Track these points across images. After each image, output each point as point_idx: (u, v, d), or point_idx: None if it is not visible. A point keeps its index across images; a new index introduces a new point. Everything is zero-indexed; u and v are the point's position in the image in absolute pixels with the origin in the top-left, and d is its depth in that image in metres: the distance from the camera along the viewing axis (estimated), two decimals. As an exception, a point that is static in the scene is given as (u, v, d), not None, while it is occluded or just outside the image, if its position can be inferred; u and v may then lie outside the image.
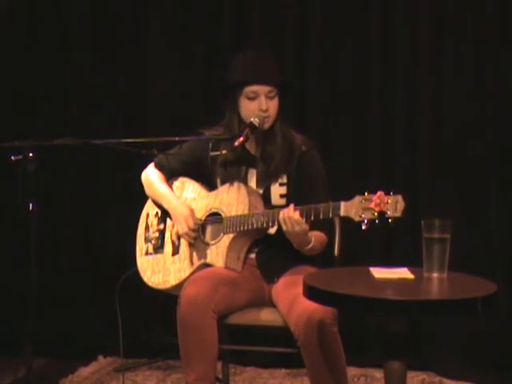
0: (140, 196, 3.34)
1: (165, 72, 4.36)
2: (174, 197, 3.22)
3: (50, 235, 4.28)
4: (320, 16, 4.20)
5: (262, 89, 3.05)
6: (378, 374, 3.87)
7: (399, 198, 2.62)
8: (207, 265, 3.09)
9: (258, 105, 3.05)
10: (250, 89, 3.05)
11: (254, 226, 2.98)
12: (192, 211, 3.14)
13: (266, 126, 3.09)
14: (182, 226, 3.11)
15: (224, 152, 3.13)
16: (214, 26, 4.33)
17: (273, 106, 3.08)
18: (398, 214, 2.61)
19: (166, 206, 3.22)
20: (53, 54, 4.45)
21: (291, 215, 2.85)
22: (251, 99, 3.06)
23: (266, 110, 3.05)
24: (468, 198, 4.07)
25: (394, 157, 4.16)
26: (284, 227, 2.88)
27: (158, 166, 3.29)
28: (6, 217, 4.30)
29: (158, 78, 4.37)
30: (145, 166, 3.34)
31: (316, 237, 3.01)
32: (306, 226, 2.87)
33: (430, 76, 4.10)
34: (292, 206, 2.88)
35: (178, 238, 3.17)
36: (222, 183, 3.16)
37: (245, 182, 3.13)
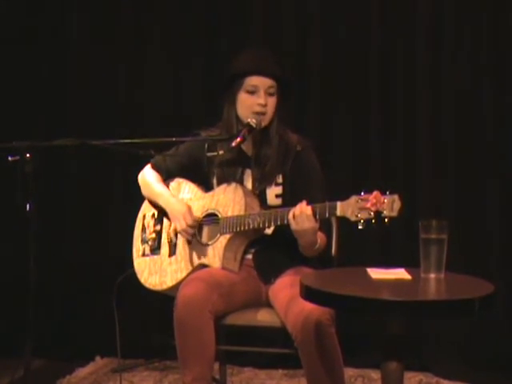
0: (138, 197, 3.34)
1: (163, 73, 4.36)
2: (171, 195, 3.21)
3: (48, 236, 4.27)
4: (320, 16, 4.20)
5: (263, 82, 3.04)
6: (376, 374, 3.87)
7: (395, 197, 2.61)
8: (204, 265, 3.08)
9: (257, 99, 3.04)
10: (251, 81, 3.04)
11: (251, 226, 2.97)
12: (189, 208, 3.13)
13: (263, 124, 3.08)
14: (180, 222, 3.10)
15: (221, 153, 3.12)
16: (213, 28, 4.33)
17: (271, 103, 3.07)
18: (395, 213, 2.60)
19: (163, 204, 3.21)
20: (53, 55, 4.45)
21: (304, 210, 2.81)
22: (251, 93, 3.06)
23: (264, 105, 3.04)
24: (466, 197, 4.06)
25: (394, 157, 4.16)
26: (294, 225, 2.83)
27: (155, 167, 3.29)
28: (4, 217, 4.29)
29: (157, 79, 4.37)
30: (142, 167, 3.33)
31: (319, 237, 2.99)
32: (316, 224, 2.83)
33: (431, 76, 4.10)
34: (305, 201, 2.83)
35: (176, 236, 3.17)
36: (219, 184, 3.15)
37: (241, 182, 3.12)
